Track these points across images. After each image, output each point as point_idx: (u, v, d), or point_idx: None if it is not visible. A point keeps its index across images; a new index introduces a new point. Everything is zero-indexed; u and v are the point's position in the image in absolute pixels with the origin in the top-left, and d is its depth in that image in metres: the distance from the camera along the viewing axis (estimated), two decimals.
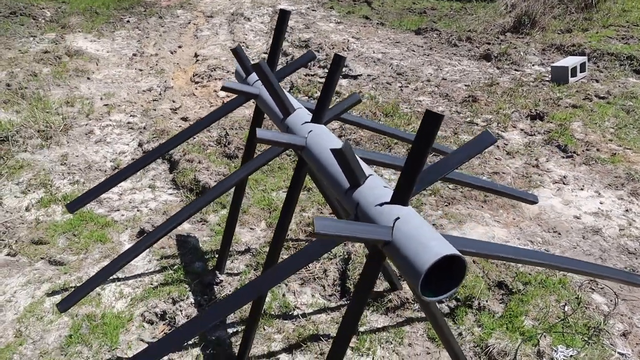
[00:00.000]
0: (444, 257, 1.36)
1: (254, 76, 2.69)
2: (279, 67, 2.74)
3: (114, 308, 2.86)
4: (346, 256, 3.28)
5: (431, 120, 1.45)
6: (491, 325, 2.83)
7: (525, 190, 4.14)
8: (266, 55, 8.51)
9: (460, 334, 2.79)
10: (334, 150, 1.59)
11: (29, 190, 3.84)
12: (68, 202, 2.84)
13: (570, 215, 3.85)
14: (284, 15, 2.56)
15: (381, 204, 1.56)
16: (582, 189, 4.15)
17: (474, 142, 1.72)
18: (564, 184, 4.22)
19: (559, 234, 3.67)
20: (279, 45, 2.62)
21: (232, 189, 2.95)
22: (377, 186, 1.65)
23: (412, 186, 1.52)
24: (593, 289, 3.16)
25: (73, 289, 2.41)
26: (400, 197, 1.54)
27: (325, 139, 1.99)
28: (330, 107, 2.20)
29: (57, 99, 5.65)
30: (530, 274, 3.20)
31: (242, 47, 8.89)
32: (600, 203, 3.98)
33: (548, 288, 3.10)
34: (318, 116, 2.12)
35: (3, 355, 2.57)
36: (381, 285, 3.01)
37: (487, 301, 2.97)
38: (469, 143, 1.73)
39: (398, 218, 1.49)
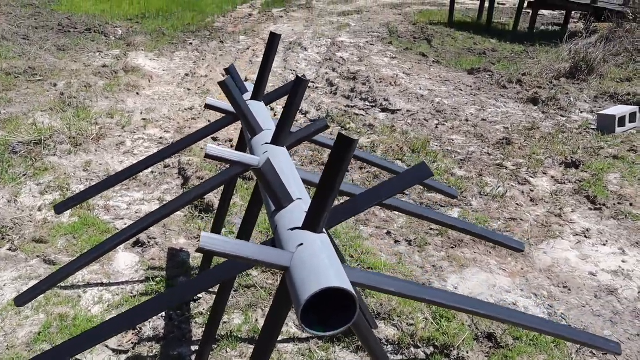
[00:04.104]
0: (331, 289, 1.28)
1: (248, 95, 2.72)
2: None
3: (90, 312, 2.91)
4: None
5: (344, 145, 1.40)
6: None
7: (540, 240, 3.90)
8: (312, 84, 8.60)
9: None
10: (254, 170, 1.55)
11: (46, 192, 4.03)
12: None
13: (585, 271, 3.58)
14: (273, 39, 2.57)
15: (293, 229, 1.51)
16: (604, 245, 3.85)
17: (409, 173, 1.63)
18: (585, 237, 3.93)
19: (569, 290, 3.41)
20: (268, 69, 2.63)
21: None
22: (299, 210, 1.59)
23: (323, 212, 1.46)
24: (594, 354, 2.90)
25: (33, 285, 2.49)
26: (311, 222, 1.48)
27: (277, 161, 1.96)
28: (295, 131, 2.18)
29: (100, 110, 5.95)
30: (522, 330, 2.98)
31: (289, 73, 9.06)
32: (623, 262, 3.67)
33: (539, 347, 2.87)
34: (277, 138, 2.09)
35: None
36: None
37: (467, 352, 2.78)
38: (403, 174, 1.64)
39: (301, 244, 1.43)
